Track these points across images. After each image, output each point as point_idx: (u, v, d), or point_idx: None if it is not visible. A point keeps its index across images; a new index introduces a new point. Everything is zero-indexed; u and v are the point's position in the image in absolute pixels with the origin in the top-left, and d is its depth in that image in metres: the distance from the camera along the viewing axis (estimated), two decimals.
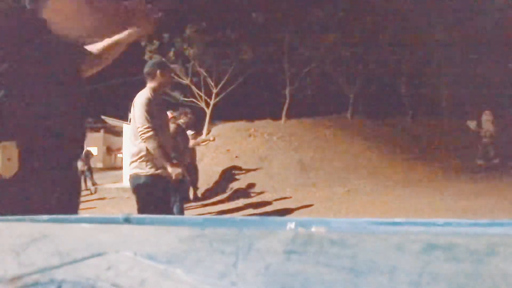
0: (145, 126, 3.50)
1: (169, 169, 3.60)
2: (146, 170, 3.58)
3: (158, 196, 3.62)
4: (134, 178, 3.67)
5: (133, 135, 3.70)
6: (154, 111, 3.60)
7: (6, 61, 1.29)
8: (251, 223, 0.61)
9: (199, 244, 0.46)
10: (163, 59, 3.53)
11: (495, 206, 6.87)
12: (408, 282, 0.36)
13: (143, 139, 3.52)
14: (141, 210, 3.54)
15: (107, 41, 1.93)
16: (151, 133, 3.50)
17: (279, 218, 0.60)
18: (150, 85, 3.75)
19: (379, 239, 0.44)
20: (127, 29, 1.73)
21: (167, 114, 3.90)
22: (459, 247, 0.42)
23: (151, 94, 3.65)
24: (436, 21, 17.06)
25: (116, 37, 1.90)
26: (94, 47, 1.95)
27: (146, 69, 3.79)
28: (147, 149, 3.58)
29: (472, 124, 12.56)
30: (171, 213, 4.00)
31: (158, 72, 3.74)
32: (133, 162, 3.66)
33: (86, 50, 1.82)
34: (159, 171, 3.60)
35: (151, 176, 3.58)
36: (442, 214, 6.48)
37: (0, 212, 0.84)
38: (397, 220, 0.56)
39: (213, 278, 0.39)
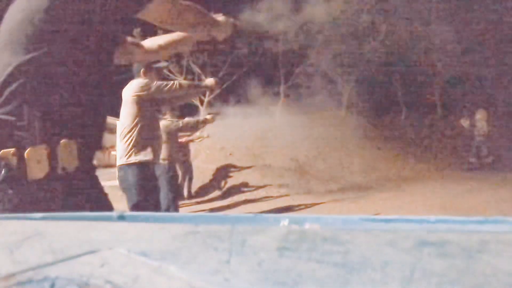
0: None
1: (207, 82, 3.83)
2: (133, 159, 3.58)
3: (145, 181, 3.61)
4: (120, 169, 3.68)
5: (121, 132, 3.71)
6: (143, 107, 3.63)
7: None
8: (244, 220, 0.61)
9: (193, 241, 0.46)
10: None
11: (488, 203, 6.90)
12: (400, 278, 0.37)
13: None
14: (131, 203, 3.54)
15: (168, 37, 2.09)
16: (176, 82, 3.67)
17: (273, 215, 0.60)
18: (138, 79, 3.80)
19: (372, 236, 0.44)
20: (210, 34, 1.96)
21: (155, 112, 3.93)
22: (451, 244, 0.42)
23: (146, 81, 3.70)
24: (430, 20, 17.08)
25: (177, 36, 2.06)
26: (153, 40, 2.12)
27: (133, 68, 3.86)
28: (134, 142, 3.59)
29: (465, 123, 12.61)
30: (159, 199, 4.02)
31: (141, 71, 3.79)
32: (121, 157, 3.67)
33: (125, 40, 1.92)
34: (145, 158, 3.60)
35: (138, 164, 3.58)
36: (435, 211, 6.49)
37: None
38: (389, 217, 0.56)
39: (207, 274, 0.40)
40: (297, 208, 8.04)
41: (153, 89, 3.60)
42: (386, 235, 0.43)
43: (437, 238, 0.43)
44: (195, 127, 6.71)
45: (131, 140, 3.60)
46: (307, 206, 8.19)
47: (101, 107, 1.53)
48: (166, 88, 3.62)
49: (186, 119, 6.31)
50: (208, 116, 6.26)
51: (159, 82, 3.67)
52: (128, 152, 3.60)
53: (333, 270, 0.39)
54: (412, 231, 0.44)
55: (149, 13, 1.50)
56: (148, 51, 2.09)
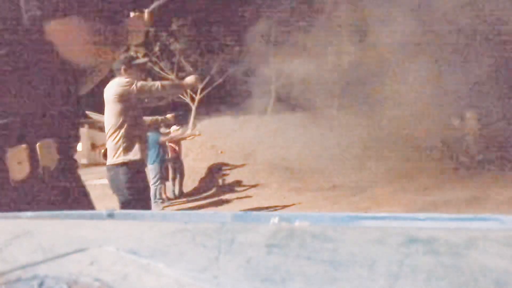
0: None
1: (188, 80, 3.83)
2: (121, 158, 3.56)
3: (137, 186, 3.60)
4: (110, 169, 3.65)
5: (107, 131, 3.69)
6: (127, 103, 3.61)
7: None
8: (234, 217, 0.61)
9: (182, 238, 0.46)
10: (132, 54, 3.58)
11: (476, 201, 6.95)
12: (387, 274, 0.37)
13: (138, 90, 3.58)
14: (121, 203, 3.53)
15: None
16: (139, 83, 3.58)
17: (263, 213, 0.60)
18: (119, 77, 3.77)
19: (360, 233, 0.44)
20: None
21: (139, 110, 3.91)
22: (439, 241, 0.42)
23: (127, 79, 3.67)
24: (422, 19, 17.11)
25: None
26: None
27: (113, 66, 3.80)
28: (122, 141, 3.57)
29: (456, 121, 12.68)
30: (150, 201, 4.01)
31: (122, 68, 3.75)
32: (110, 157, 3.64)
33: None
34: (134, 157, 3.58)
35: (127, 163, 3.56)
36: (425, 209, 6.53)
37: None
38: (378, 214, 0.57)
39: (195, 271, 0.40)
40: (287, 207, 8.05)
41: (135, 90, 3.58)
42: (375, 232, 0.44)
43: (425, 235, 0.43)
44: (154, 125, 6.69)
45: (118, 139, 3.58)
46: (298, 204, 8.20)
47: (74, 104, 1.52)
48: (147, 89, 3.61)
49: (144, 118, 6.27)
50: (169, 115, 6.27)
51: (141, 83, 3.63)
52: (116, 152, 3.58)
53: (321, 267, 0.39)
54: (400, 228, 0.45)
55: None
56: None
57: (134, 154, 3.57)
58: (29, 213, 0.67)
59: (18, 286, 0.41)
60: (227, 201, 9.35)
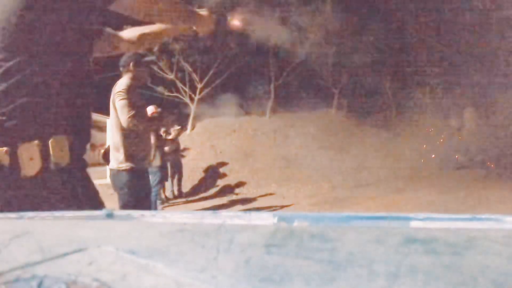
0: (130, 115, 3.45)
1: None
2: (125, 164, 3.54)
3: (138, 189, 3.59)
4: (114, 173, 3.64)
5: (113, 127, 3.66)
6: (133, 101, 3.56)
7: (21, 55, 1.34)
8: (233, 217, 0.61)
9: (181, 238, 0.46)
10: (140, 52, 3.48)
11: (476, 201, 6.94)
12: (386, 274, 0.37)
13: (130, 127, 3.47)
14: (122, 204, 3.52)
15: (148, 29, 2.04)
16: (135, 121, 3.46)
17: (262, 212, 0.60)
18: (125, 77, 3.71)
19: (359, 233, 0.44)
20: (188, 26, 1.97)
21: (145, 107, 3.87)
22: (438, 241, 0.42)
23: (128, 84, 3.60)
24: (421, 21, 17.10)
25: (157, 28, 2.02)
26: (133, 31, 2.06)
27: (120, 62, 3.73)
28: (126, 141, 3.54)
29: (453, 121, 12.69)
30: (151, 203, 4.00)
31: (131, 64, 3.69)
32: (113, 160, 3.61)
33: (104, 31, 1.87)
34: (137, 164, 3.57)
35: (131, 170, 3.54)
36: (424, 209, 6.52)
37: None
38: (377, 214, 0.56)
39: (194, 272, 0.40)
40: (287, 207, 8.05)
41: (120, 105, 3.47)
42: (373, 232, 0.44)
43: (424, 235, 0.43)
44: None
45: (121, 143, 3.55)
46: (297, 204, 8.20)
47: (86, 104, 1.53)
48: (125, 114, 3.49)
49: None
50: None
51: (123, 104, 3.50)
52: (119, 157, 3.56)
53: (320, 267, 0.39)
54: (399, 228, 0.45)
55: (121, 3, 1.49)
56: (130, 42, 2.05)
57: (137, 162, 3.55)
58: (29, 213, 0.67)
59: (17, 286, 0.41)
60: (226, 202, 9.35)
